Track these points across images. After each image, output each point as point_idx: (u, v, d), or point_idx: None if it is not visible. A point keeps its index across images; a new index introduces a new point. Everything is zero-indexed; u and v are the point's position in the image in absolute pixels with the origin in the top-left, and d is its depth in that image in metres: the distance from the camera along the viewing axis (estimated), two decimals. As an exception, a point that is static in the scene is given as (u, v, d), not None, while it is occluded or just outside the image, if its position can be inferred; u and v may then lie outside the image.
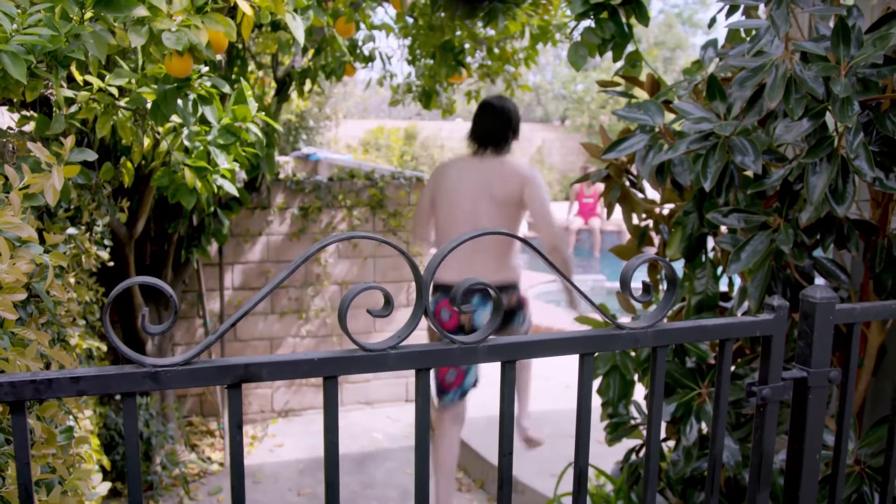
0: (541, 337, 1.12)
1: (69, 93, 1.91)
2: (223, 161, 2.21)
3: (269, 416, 4.79)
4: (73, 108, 1.94)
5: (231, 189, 2.29)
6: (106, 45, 1.59)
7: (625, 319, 1.22)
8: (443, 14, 3.89)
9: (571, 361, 1.18)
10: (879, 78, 1.43)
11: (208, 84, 2.04)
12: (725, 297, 2.09)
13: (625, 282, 1.14)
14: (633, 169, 2.22)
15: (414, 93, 4.51)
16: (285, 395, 4.80)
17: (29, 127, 1.98)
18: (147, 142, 2.22)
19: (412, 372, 1.05)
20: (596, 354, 1.72)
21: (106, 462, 1.97)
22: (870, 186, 1.59)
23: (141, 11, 1.63)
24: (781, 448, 1.62)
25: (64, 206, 2.22)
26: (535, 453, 3.68)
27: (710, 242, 1.97)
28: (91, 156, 1.62)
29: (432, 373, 2.83)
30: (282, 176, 4.67)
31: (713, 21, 1.91)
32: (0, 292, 1.19)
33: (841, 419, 1.35)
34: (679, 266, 2.01)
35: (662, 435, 2.12)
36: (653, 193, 2.22)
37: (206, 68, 2.06)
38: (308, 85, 3.92)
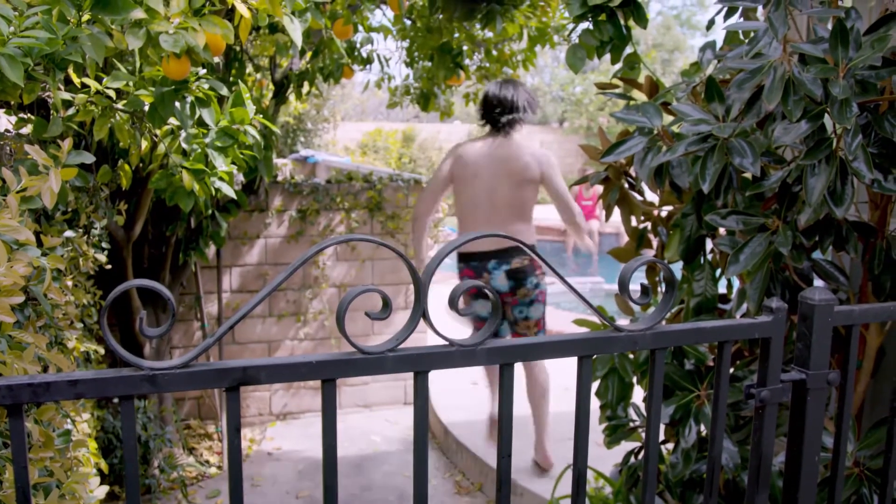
0: (539, 339, 1.12)
1: (67, 95, 1.90)
2: (221, 163, 2.20)
3: (267, 419, 4.78)
4: (71, 111, 1.94)
5: (229, 191, 2.29)
6: (103, 47, 1.59)
7: (623, 322, 1.22)
8: (441, 16, 3.90)
9: (570, 364, 1.18)
10: (878, 80, 1.43)
11: (206, 86, 2.04)
12: (724, 299, 2.09)
13: (623, 284, 1.14)
14: (632, 171, 2.22)
15: (412, 95, 4.52)
16: (283, 397, 4.79)
17: (26, 129, 1.97)
18: (145, 144, 2.22)
19: (411, 375, 1.05)
20: (594, 357, 1.72)
21: (104, 465, 1.96)
22: (868, 188, 1.59)
23: (138, 14, 1.63)
24: (780, 450, 1.62)
25: (61, 209, 2.22)
26: (533, 456, 3.68)
27: (709, 244, 1.97)
28: (88, 158, 1.62)
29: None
30: (280, 178, 4.66)
31: (711, 23, 1.92)
32: (-3, 295, 1.19)
33: (840, 421, 1.34)
34: (677, 268, 2.01)
35: (661, 437, 2.12)
36: (651, 196, 2.22)
37: (204, 71, 2.06)
38: (306, 87, 3.92)
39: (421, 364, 1.04)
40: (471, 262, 3.48)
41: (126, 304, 3.62)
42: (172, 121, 2.13)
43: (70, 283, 2.13)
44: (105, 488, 1.70)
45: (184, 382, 0.94)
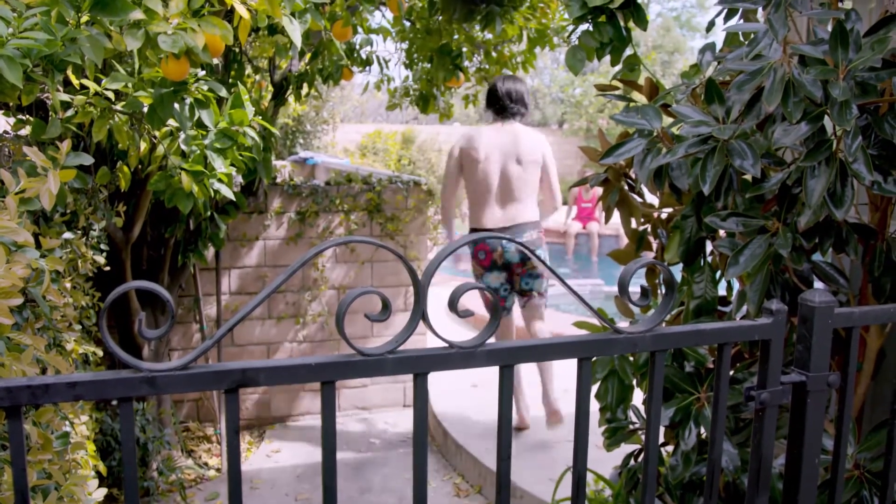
0: (539, 341, 1.12)
1: (65, 97, 1.90)
2: (220, 165, 2.20)
3: (266, 421, 4.78)
4: (70, 112, 1.94)
5: (228, 193, 2.28)
6: (102, 48, 1.59)
7: (623, 324, 1.22)
8: (440, 17, 3.90)
9: (569, 366, 1.17)
10: (878, 81, 1.43)
11: (205, 88, 2.04)
12: (724, 301, 2.09)
13: (623, 286, 1.14)
14: (632, 173, 2.22)
15: (411, 97, 4.51)
16: (282, 400, 4.79)
17: (25, 131, 1.97)
18: (143, 146, 2.22)
19: (410, 377, 1.05)
20: (594, 359, 1.71)
21: (102, 468, 1.95)
22: (868, 190, 1.58)
23: (137, 15, 1.63)
24: (780, 452, 1.62)
25: (60, 211, 2.22)
26: (533, 458, 3.67)
27: (709, 246, 1.97)
28: (87, 160, 1.62)
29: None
30: (279, 180, 4.66)
31: (711, 25, 1.91)
32: (-5, 297, 1.18)
33: (840, 423, 1.34)
34: (677, 270, 2.01)
35: (661, 439, 2.12)
36: (651, 197, 2.22)
37: (203, 72, 2.06)
38: (305, 89, 3.91)
39: (420, 366, 1.04)
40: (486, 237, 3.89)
41: (125, 306, 3.62)
42: (171, 122, 2.13)
43: (69, 285, 2.13)
44: (103, 491, 1.69)
45: (183, 384, 0.94)
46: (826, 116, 1.45)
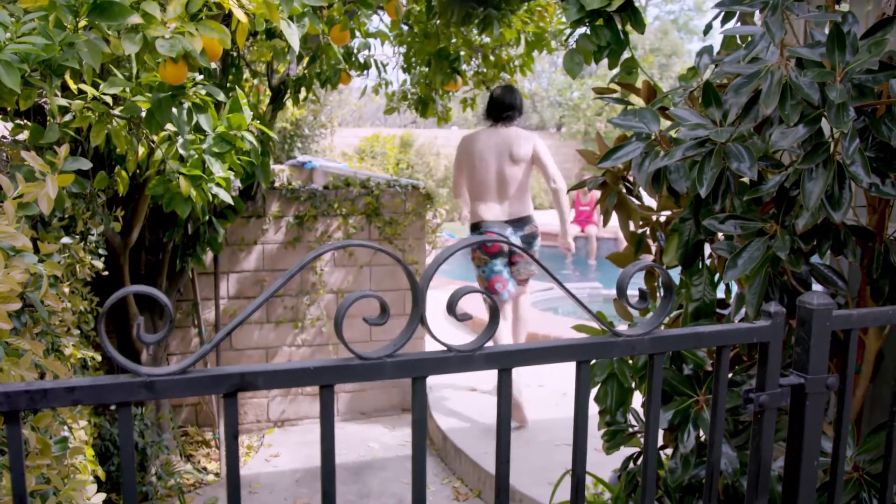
0: (537, 345, 1.11)
1: (63, 101, 1.90)
2: (218, 169, 2.20)
3: (264, 425, 4.77)
4: (68, 117, 1.94)
5: (226, 197, 2.28)
6: (100, 53, 1.59)
7: (622, 327, 1.22)
8: (438, 21, 3.90)
9: (568, 369, 1.17)
10: (875, 84, 1.44)
11: (203, 92, 2.04)
12: (723, 303, 2.09)
13: (621, 289, 1.14)
14: (630, 176, 2.22)
15: (409, 100, 4.52)
16: (281, 404, 4.78)
17: (23, 136, 1.97)
18: (142, 150, 2.22)
19: (409, 381, 1.05)
20: (593, 362, 1.71)
21: (101, 473, 1.95)
22: (866, 192, 1.59)
23: (135, 19, 1.63)
24: (779, 455, 1.62)
25: (58, 216, 2.21)
26: (532, 461, 3.67)
27: (707, 249, 1.97)
28: (85, 164, 1.62)
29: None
30: (277, 184, 4.66)
31: (709, 27, 1.92)
32: (-7, 302, 1.18)
33: (839, 426, 1.34)
34: (676, 273, 2.01)
35: (660, 442, 2.12)
36: (649, 200, 2.22)
37: (201, 76, 2.06)
38: (303, 93, 3.91)
39: (419, 369, 1.04)
40: (493, 228, 4.35)
41: (123, 311, 3.61)
42: (169, 126, 2.13)
43: (67, 290, 2.12)
44: (102, 496, 1.69)
45: (181, 389, 0.94)
46: (823, 119, 1.45)
